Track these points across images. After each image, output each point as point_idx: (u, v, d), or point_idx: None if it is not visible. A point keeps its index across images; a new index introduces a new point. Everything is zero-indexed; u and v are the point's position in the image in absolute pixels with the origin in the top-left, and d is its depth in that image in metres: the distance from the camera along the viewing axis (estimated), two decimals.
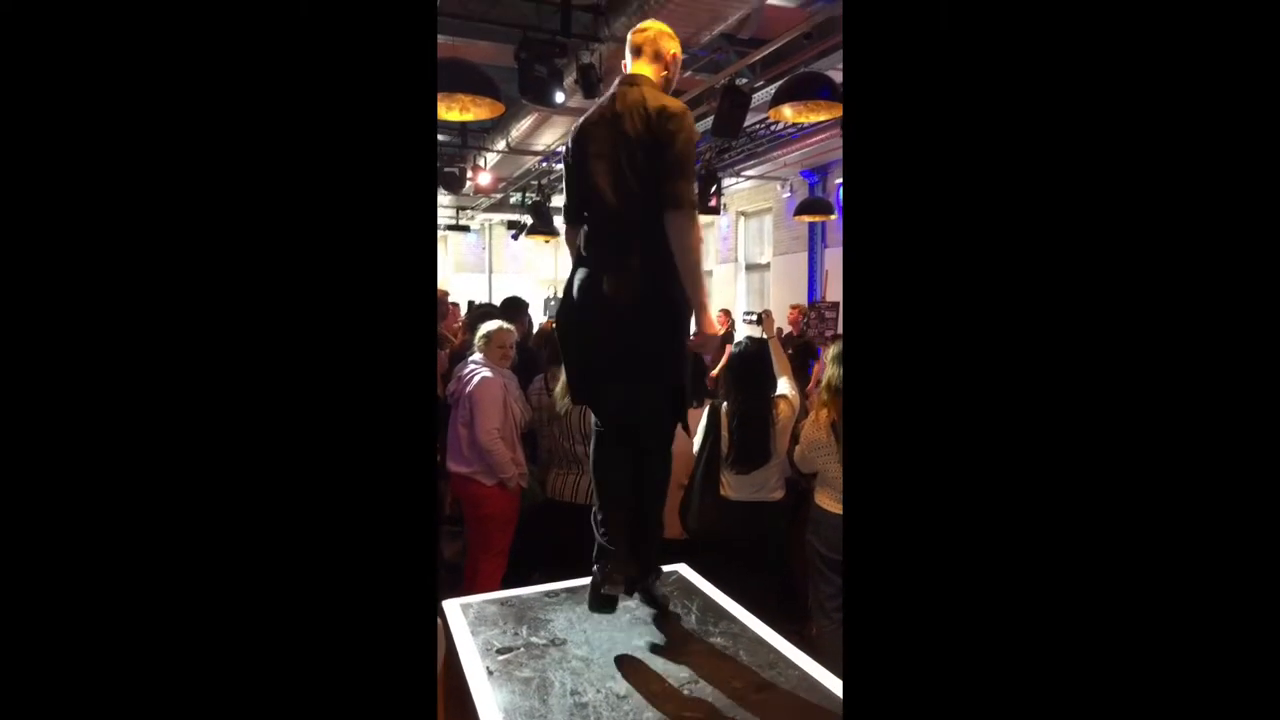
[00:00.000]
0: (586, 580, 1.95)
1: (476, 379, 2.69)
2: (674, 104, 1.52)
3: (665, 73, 1.65)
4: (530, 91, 4.25)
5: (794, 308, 6.95)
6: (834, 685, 1.46)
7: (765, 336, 2.80)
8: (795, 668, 1.53)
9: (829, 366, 2.45)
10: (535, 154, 7.11)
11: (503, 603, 1.84)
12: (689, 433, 1.97)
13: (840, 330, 6.67)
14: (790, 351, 4.09)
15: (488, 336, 2.80)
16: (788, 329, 6.55)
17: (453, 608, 1.78)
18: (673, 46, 1.67)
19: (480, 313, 3.89)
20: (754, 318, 3.08)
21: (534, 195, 9.06)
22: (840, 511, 2.37)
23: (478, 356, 2.78)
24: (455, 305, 5.86)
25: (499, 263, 12.34)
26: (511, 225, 10.60)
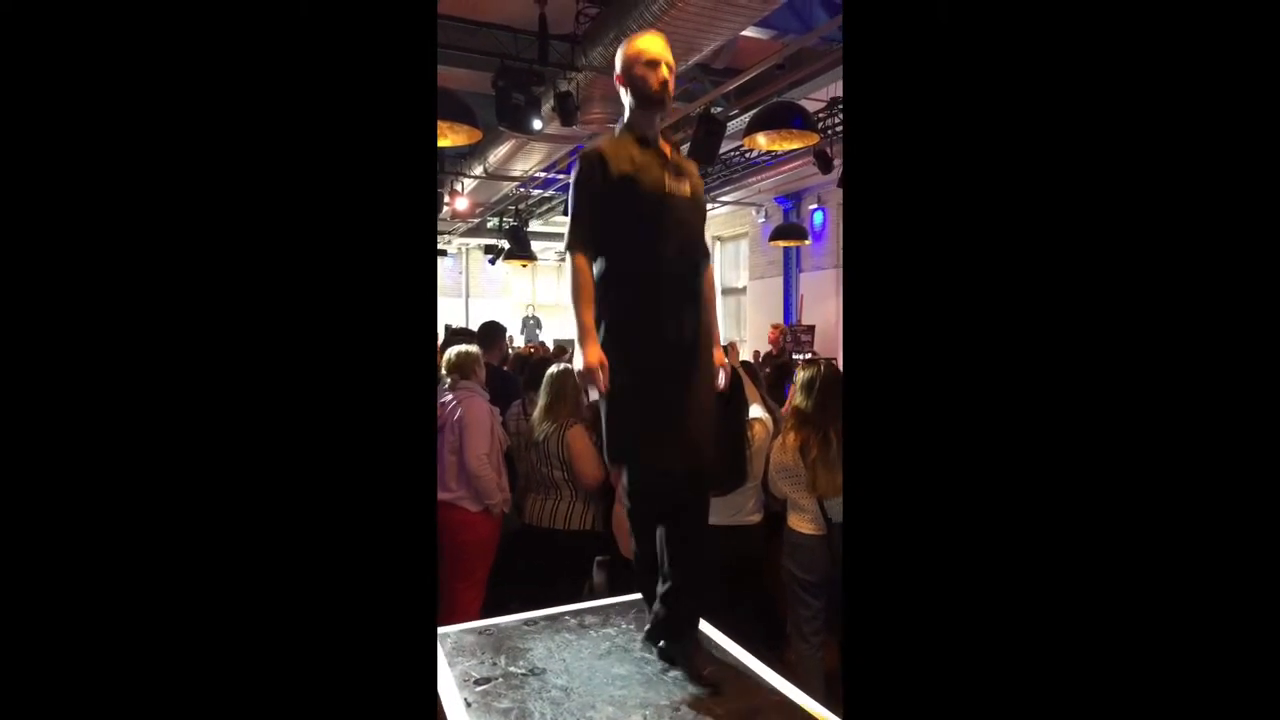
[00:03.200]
0: (566, 607, 1.95)
1: (465, 404, 2.67)
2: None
3: (624, 95, 1.64)
4: (507, 118, 4.30)
5: (775, 327, 7.01)
6: (814, 709, 1.46)
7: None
8: (776, 693, 1.53)
9: (797, 394, 2.48)
10: (513, 179, 7.15)
11: (481, 632, 1.82)
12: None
13: (815, 353, 6.73)
14: (768, 370, 4.12)
15: (460, 366, 2.77)
16: (767, 348, 6.59)
17: None
18: (617, 68, 1.64)
19: (456, 337, 3.87)
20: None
21: (511, 220, 9.10)
22: (813, 533, 2.39)
23: (464, 382, 2.75)
24: None
25: (476, 287, 12.33)
26: (489, 250, 10.61)
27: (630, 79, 1.60)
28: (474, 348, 2.90)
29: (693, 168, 1.69)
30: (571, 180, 1.58)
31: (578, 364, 1.52)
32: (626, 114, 1.64)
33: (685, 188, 1.61)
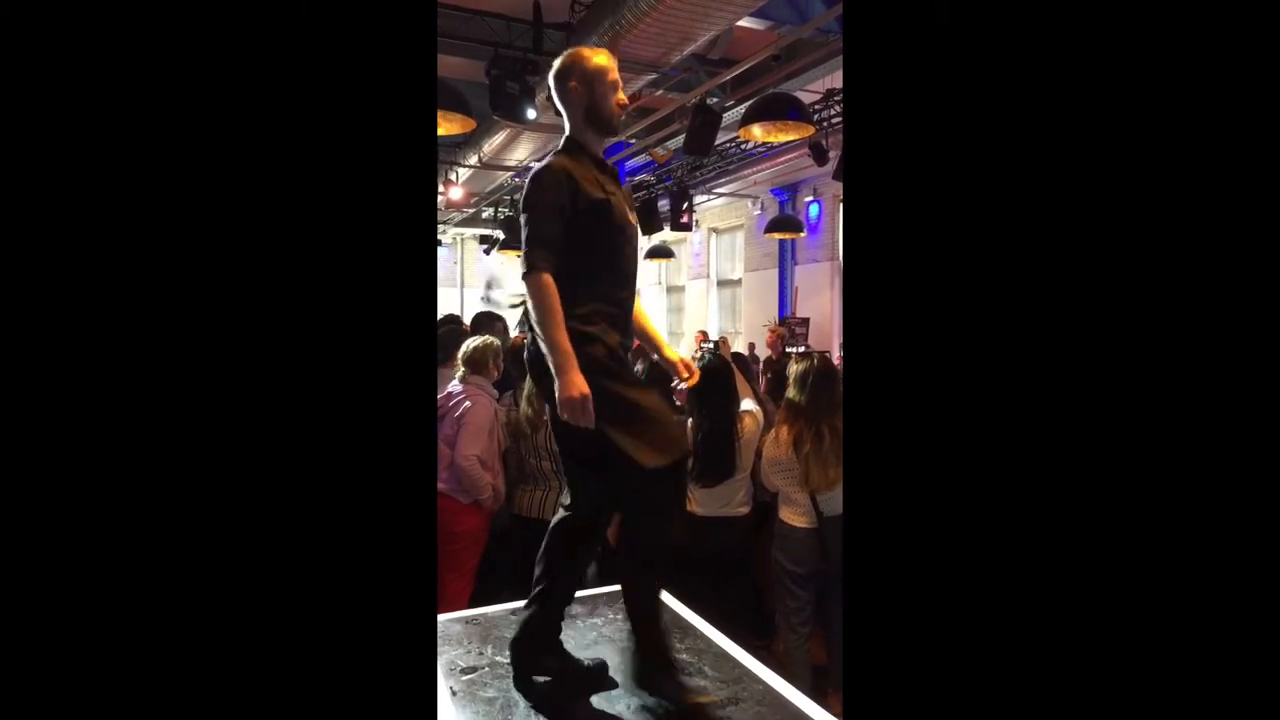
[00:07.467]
0: None
1: (468, 402, 2.65)
2: (537, 167, 1.48)
3: (570, 109, 1.54)
4: (501, 107, 4.27)
5: (772, 331, 6.57)
6: (799, 700, 1.47)
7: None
8: (760, 682, 1.53)
9: (790, 387, 2.47)
10: (507, 169, 7.12)
11: (467, 621, 1.82)
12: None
13: (809, 347, 6.71)
14: (769, 375, 4.06)
15: (472, 360, 2.73)
16: (765, 352, 6.29)
17: None
18: (567, 76, 1.52)
19: (444, 324, 3.83)
20: (711, 346, 3.10)
21: (506, 210, 9.05)
22: (805, 526, 2.39)
23: (474, 376, 2.72)
24: None
25: (471, 277, 12.28)
26: (484, 240, 10.56)
27: (590, 98, 1.51)
28: (494, 340, 2.87)
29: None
30: (530, 197, 1.44)
31: (560, 393, 1.35)
32: (571, 128, 1.53)
33: (633, 217, 1.58)
